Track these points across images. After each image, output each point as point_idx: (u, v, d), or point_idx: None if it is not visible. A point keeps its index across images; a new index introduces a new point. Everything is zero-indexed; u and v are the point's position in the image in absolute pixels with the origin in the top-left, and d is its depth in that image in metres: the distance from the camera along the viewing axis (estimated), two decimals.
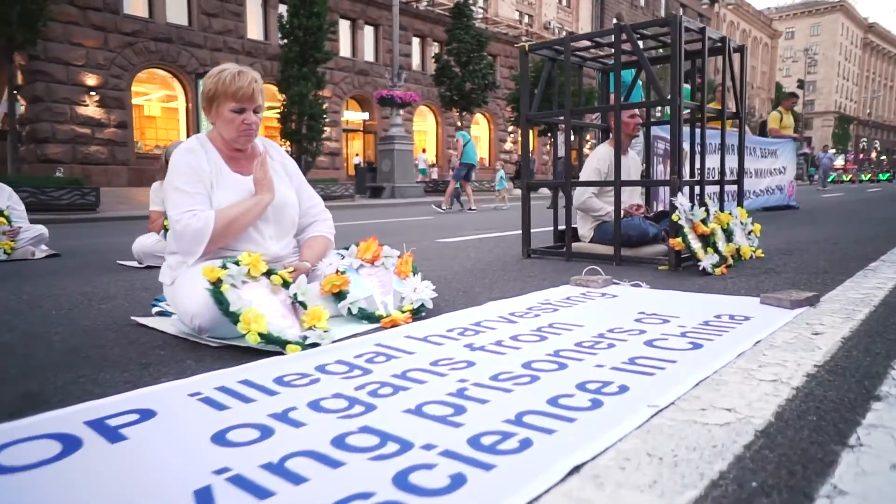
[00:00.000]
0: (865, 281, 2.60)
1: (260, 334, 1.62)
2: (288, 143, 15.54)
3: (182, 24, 23.40)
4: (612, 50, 3.80)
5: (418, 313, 2.11)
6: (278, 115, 15.43)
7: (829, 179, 28.89)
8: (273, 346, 1.65)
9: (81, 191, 11.33)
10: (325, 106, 19.10)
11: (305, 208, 2.31)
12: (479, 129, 33.04)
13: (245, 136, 2.08)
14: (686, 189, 4.18)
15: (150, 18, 22.62)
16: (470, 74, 21.95)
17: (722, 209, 3.70)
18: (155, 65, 23.09)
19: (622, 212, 3.66)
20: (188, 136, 14.48)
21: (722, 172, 3.84)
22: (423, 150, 27.57)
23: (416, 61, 31.52)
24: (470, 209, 11.36)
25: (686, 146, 6.41)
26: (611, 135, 4.39)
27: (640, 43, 4.23)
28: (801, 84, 54.66)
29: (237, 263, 1.78)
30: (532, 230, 3.92)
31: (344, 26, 28.69)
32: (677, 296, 2.46)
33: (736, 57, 3.82)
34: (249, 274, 1.80)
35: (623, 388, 1.32)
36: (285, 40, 15.35)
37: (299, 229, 2.31)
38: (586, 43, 3.71)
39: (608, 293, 2.52)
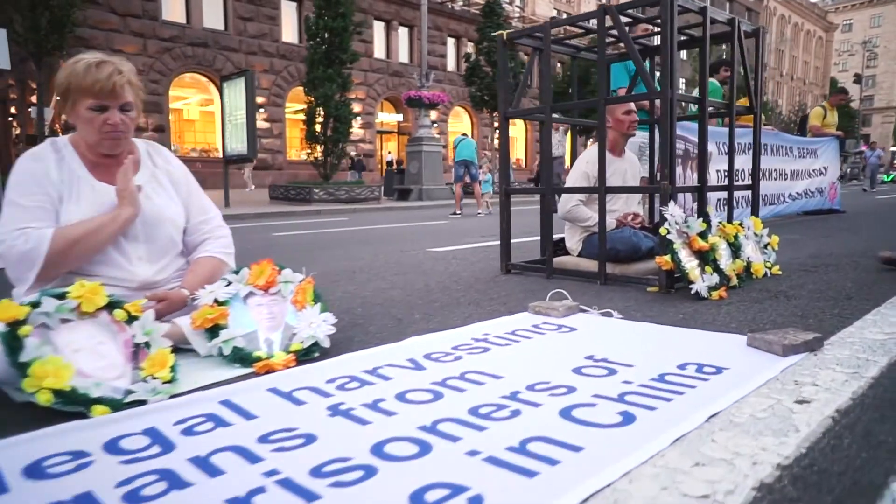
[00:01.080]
0: (895, 314, 2.08)
1: (56, 391, 1.27)
2: (315, 145, 15.41)
3: (218, 28, 23.72)
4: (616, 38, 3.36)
5: (310, 353, 1.73)
6: (303, 118, 15.33)
7: (888, 179, 27.12)
8: (74, 406, 1.29)
9: None
10: (356, 108, 18.93)
11: (195, 224, 1.96)
12: (516, 129, 32.50)
13: (110, 139, 1.75)
14: (687, 196, 3.68)
15: (187, 24, 22.99)
16: None
17: (731, 219, 3.18)
18: (192, 69, 23.46)
19: (615, 222, 3.20)
20: (223, 139, 14.51)
21: (730, 176, 3.32)
22: None
23: (451, 62, 31.22)
24: (477, 213, 10.93)
25: (712, 147, 5.84)
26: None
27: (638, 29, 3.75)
28: (857, 79, 51.76)
29: (62, 296, 1.43)
30: (528, 239, 3.50)
31: (378, 28, 28.63)
32: (649, 331, 2.00)
33: (751, 43, 3.29)
34: (80, 309, 1.45)
35: None
36: (311, 42, 15.22)
37: (190, 248, 1.97)
38: (577, 30, 3.26)
39: (566, 325, 2.08)
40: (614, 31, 2.99)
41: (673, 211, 2.60)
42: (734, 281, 2.74)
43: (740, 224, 3.18)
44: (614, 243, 3.00)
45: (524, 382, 1.47)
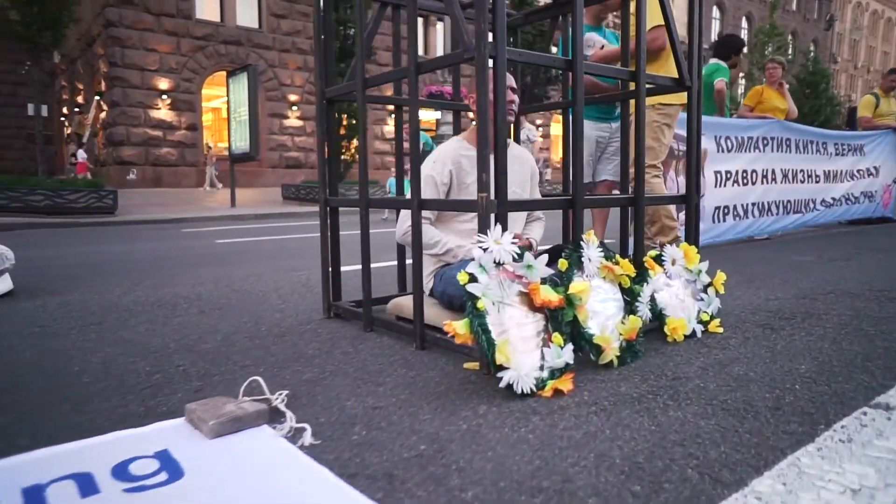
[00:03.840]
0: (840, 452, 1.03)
1: None
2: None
3: (252, 26, 23.59)
4: None
5: None
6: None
7: None
8: None
9: (98, 194, 11.06)
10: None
11: None
12: (559, 126, 31.07)
13: None
14: (539, 221, 2.55)
15: (220, 22, 22.94)
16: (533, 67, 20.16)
17: (694, 239, 2.15)
18: (224, 67, 23.35)
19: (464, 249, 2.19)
20: (229, 137, 14.05)
21: (624, 183, 2.27)
22: None
23: None
24: None
25: (709, 143, 4.67)
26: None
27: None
28: None
29: None
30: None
31: (417, 22, 27.88)
32: (291, 484, 1.04)
33: None
34: None
35: None
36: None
37: None
38: None
39: (184, 461, 1.14)
40: None
41: (490, 243, 1.59)
42: (609, 355, 1.71)
43: (657, 257, 2.11)
44: (446, 285, 2.01)
45: None
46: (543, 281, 1.67)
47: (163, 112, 21.76)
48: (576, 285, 1.71)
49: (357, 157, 12.53)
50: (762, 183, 5.17)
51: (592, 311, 1.77)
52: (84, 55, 24.47)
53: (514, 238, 1.66)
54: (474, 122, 2.34)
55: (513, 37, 2.90)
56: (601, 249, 1.87)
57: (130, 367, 1.78)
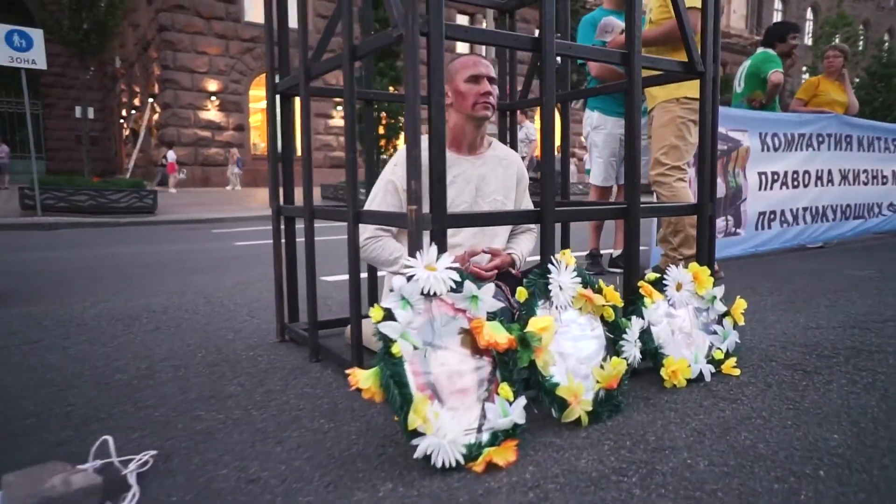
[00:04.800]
0: None
1: None
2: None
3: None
4: None
5: None
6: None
7: None
8: None
9: (139, 194, 11.26)
10: None
11: None
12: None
13: None
14: (528, 234, 2.14)
15: None
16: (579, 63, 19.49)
17: (709, 262, 1.76)
18: None
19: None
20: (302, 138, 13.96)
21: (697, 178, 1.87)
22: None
23: None
24: None
25: (750, 140, 4.15)
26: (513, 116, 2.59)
27: None
28: None
29: None
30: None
31: (462, 21, 27.58)
32: None
33: None
34: None
35: None
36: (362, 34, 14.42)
37: None
38: None
39: None
40: None
41: (419, 266, 1.25)
42: (577, 412, 1.34)
43: (658, 280, 1.72)
44: None
45: None
46: (493, 316, 1.32)
47: (212, 113, 22.23)
48: (537, 321, 1.35)
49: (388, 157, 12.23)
50: (816, 185, 4.61)
51: (560, 353, 1.41)
52: (140, 59, 25.29)
53: (454, 261, 1.32)
54: (449, 118, 2.02)
55: (509, 19, 2.54)
56: (576, 273, 1.50)
57: (14, 402, 1.53)
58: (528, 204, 2.19)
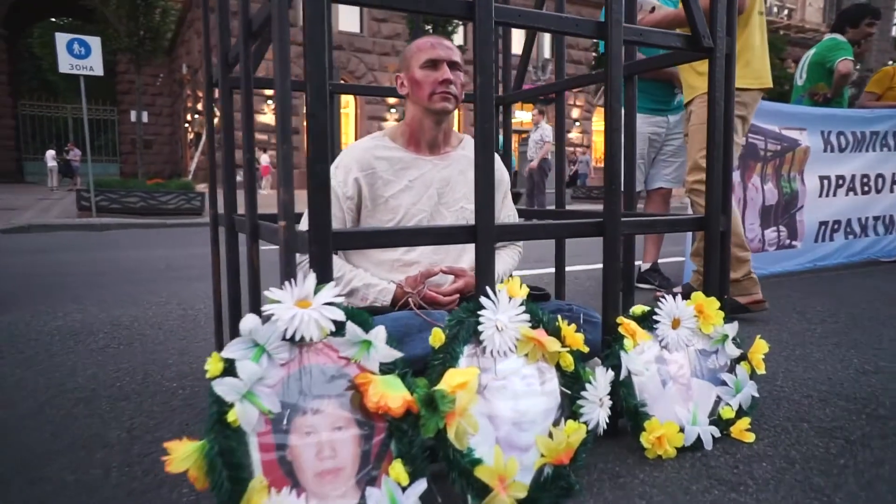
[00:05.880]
0: None
1: None
2: None
3: (354, 31, 24.06)
4: None
5: None
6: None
7: None
8: None
9: (187, 195, 11.49)
10: None
11: None
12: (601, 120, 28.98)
13: None
14: (510, 248, 1.71)
15: None
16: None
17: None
18: None
19: (402, 289, 1.53)
20: (356, 139, 14.13)
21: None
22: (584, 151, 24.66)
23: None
24: None
25: (811, 140, 3.60)
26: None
27: None
28: None
29: None
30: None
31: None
32: None
33: None
34: None
35: None
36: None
37: None
38: None
39: None
40: None
41: (288, 300, 0.94)
42: (503, 500, 0.99)
43: (648, 315, 1.34)
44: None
45: None
46: (388, 370, 0.99)
47: (268, 117, 22.66)
48: (454, 374, 1.01)
49: None
50: (891, 191, 3.99)
51: (490, 416, 1.06)
52: (203, 65, 26.16)
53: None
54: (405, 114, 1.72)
55: None
56: (522, 309, 1.14)
57: None
58: (510, 213, 1.84)
